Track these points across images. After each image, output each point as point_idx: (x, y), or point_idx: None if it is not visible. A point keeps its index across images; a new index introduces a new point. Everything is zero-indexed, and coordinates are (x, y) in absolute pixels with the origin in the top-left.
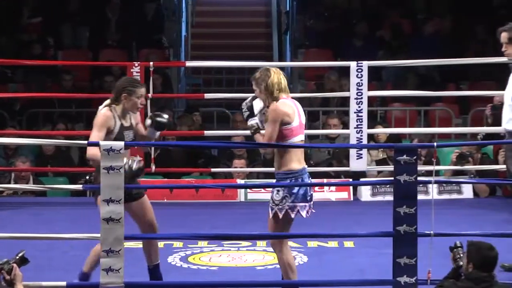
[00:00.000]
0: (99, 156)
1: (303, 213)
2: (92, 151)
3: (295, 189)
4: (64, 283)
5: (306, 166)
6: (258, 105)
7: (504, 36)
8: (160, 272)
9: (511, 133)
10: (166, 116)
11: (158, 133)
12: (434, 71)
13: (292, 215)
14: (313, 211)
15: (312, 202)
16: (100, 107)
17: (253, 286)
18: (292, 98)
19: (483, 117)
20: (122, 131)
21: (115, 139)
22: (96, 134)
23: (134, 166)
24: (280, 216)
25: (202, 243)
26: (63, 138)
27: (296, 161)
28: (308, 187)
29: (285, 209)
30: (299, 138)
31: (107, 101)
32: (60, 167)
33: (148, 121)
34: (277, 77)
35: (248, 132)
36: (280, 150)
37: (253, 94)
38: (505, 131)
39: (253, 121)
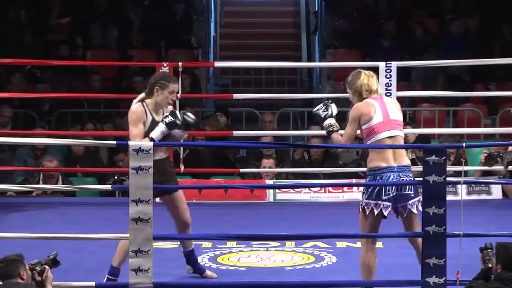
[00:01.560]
0: None
1: (385, 212)
2: None
3: (371, 187)
4: (93, 284)
5: (396, 164)
6: (334, 108)
7: None
8: (196, 256)
9: None
10: (192, 116)
11: (185, 133)
12: (463, 71)
13: (367, 212)
14: (413, 210)
15: (391, 202)
16: (134, 101)
17: (282, 286)
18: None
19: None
20: (153, 125)
21: (146, 133)
22: (134, 130)
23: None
24: (366, 212)
25: (231, 244)
26: (92, 138)
27: (380, 160)
28: (401, 186)
29: (362, 205)
30: (384, 135)
31: (141, 95)
32: (89, 168)
33: (167, 118)
34: (367, 79)
35: (276, 132)
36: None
37: (326, 101)
38: None
39: (331, 121)
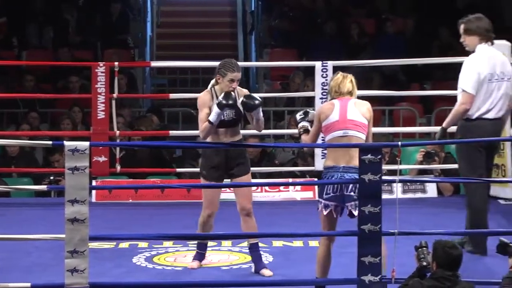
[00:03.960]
0: (206, 128)
1: (324, 212)
2: (201, 128)
3: (325, 186)
4: (28, 284)
5: (343, 164)
6: (312, 115)
7: (461, 28)
8: (259, 252)
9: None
10: (258, 98)
11: (260, 113)
12: (399, 71)
13: (325, 212)
14: (354, 212)
15: (332, 202)
16: (209, 86)
17: (218, 286)
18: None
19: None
20: None
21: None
22: (199, 115)
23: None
24: (319, 209)
25: (167, 243)
26: (27, 138)
27: (331, 159)
28: (343, 186)
29: (319, 204)
30: (337, 134)
31: (213, 81)
32: (24, 168)
33: (219, 100)
34: (340, 81)
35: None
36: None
37: (310, 107)
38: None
39: (304, 123)
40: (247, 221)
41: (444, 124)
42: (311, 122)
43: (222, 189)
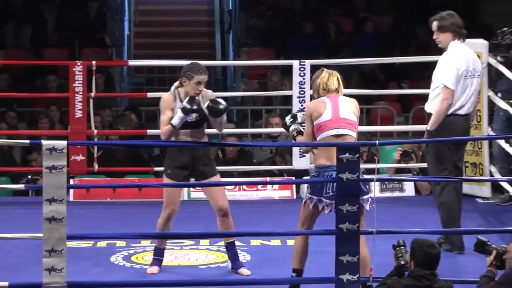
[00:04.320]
0: (168, 131)
1: (326, 210)
2: (162, 131)
3: (323, 185)
4: (6, 284)
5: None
6: (300, 118)
7: (435, 25)
8: (235, 250)
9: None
10: (223, 103)
11: (224, 118)
12: (377, 70)
13: (310, 206)
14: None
15: (332, 200)
16: (172, 88)
17: (196, 285)
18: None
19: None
20: None
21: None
22: (161, 117)
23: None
24: (308, 205)
25: (145, 242)
26: (5, 137)
27: (325, 158)
28: (330, 184)
29: (306, 199)
30: (330, 133)
31: (176, 83)
32: (2, 167)
33: (183, 104)
34: (327, 78)
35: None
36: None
37: (297, 110)
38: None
39: (295, 126)
40: (225, 221)
41: (429, 127)
42: (300, 124)
43: (199, 188)
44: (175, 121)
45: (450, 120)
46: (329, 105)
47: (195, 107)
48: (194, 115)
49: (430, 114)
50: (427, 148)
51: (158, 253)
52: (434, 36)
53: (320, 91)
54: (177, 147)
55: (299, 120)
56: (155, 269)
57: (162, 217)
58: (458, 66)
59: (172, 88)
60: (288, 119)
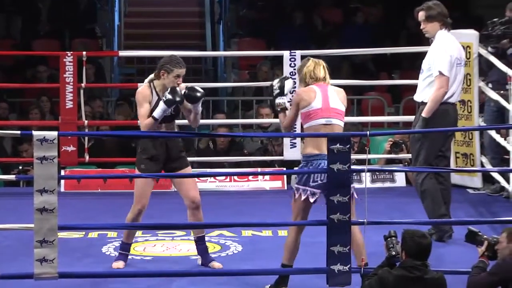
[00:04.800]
0: (150, 124)
1: (311, 199)
2: (143, 124)
3: (310, 174)
4: None
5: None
6: (289, 85)
7: (421, 15)
8: (205, 245)
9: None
10: (199, 89)
11: (200, 106)
12: (367, 61)
13: (296, 196)
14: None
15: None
16: (145, 81)
17: (187, 275)
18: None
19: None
20: (157, 105)
21: (151, 111)
22: (140, 110)
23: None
24: (295, 196)
25: (137, 233)
26: None
27: (313, 147)
28: (318, 174)
29: (293, 189)
30: (320, 122)
31: (150, 76)
32: None
33: (166, 96)
34: (313, 67)
35: (181, 121)
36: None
37: (285, 75)
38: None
39: (281, 100)
40: (196, 214)
41: (424, 114)
42: (285, 95)
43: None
44: (157, 113)
45: (443, 108)
46: (319, 94)
47: (177, 98)
48: (195, 105)
49: (422, 103)
50: (420, 137)
51: (125, 248)
52: (422, 26)
53: (308, 79)
54: (151, 139)
55: (286, 87)
56: (120, 264)
57: (133, 213)
58: (451, 54)
59: (146, 80)
60: (275, 87)
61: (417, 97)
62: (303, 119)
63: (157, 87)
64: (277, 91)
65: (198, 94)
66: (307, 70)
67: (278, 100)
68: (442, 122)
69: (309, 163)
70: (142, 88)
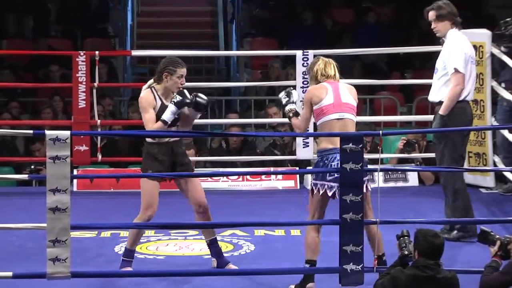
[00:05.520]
0: (159, 128)
1: (329, 192)
2: (152, 128)
3: (320, 168)
4: (10, 273)
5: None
6: (295, 95)
7: (432, 14)
8: (218, 248)
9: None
10: (204, 97)
11: (199, 113)
12: (379, 60)
13: (315, 192)
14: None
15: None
16: (144, 87)
17: (200, 274)
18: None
19: (427, 106)
20: (162, 110)
21: (157, 117)
22: (146, 116)
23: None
24: (313, 192)
25: (149, 232)
26: (8, 128)
27: (326, 141)
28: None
29: (311, 185)
30: (333, 116)
31: (150, 81)
32: (5, 157)
33: (176, 98)
34: (324, 65)
35: (194, 121)
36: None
37: (290, 88)
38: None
39: (291, 106)
40: (204, 218)
41: (441, 111)
42: (295, 102)
43: (202, 178)
44: (167, 116)
45: (461, 106)
46: (330, 90)
47: (187, 100)
48: (193, 111)
49: (439, 103)
50: (439, 136)
51: (129, 255)
52: (433, 26)
53: (319, 77)
54: (157, 144)
55: (294, 98)
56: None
57: (143, 219)
58: (465, 51)
59: (146, 86)
60: (283, 97)
61: (433, 97)
62: (316, 116)
63: (158, 91)
64: (286, 99)
65: (205, 102)
66: (318, 68)
67: (289, 107)
68: (460, 120)
69: (324, 157)
70: (145, 94)
